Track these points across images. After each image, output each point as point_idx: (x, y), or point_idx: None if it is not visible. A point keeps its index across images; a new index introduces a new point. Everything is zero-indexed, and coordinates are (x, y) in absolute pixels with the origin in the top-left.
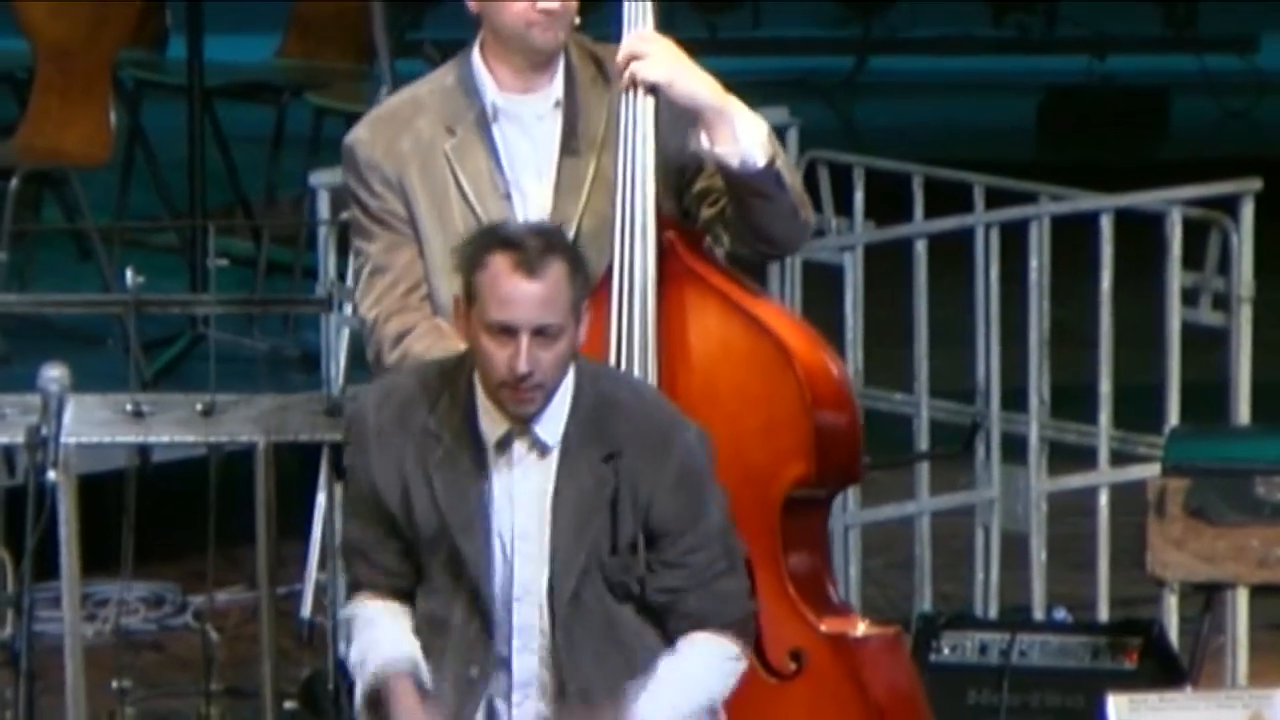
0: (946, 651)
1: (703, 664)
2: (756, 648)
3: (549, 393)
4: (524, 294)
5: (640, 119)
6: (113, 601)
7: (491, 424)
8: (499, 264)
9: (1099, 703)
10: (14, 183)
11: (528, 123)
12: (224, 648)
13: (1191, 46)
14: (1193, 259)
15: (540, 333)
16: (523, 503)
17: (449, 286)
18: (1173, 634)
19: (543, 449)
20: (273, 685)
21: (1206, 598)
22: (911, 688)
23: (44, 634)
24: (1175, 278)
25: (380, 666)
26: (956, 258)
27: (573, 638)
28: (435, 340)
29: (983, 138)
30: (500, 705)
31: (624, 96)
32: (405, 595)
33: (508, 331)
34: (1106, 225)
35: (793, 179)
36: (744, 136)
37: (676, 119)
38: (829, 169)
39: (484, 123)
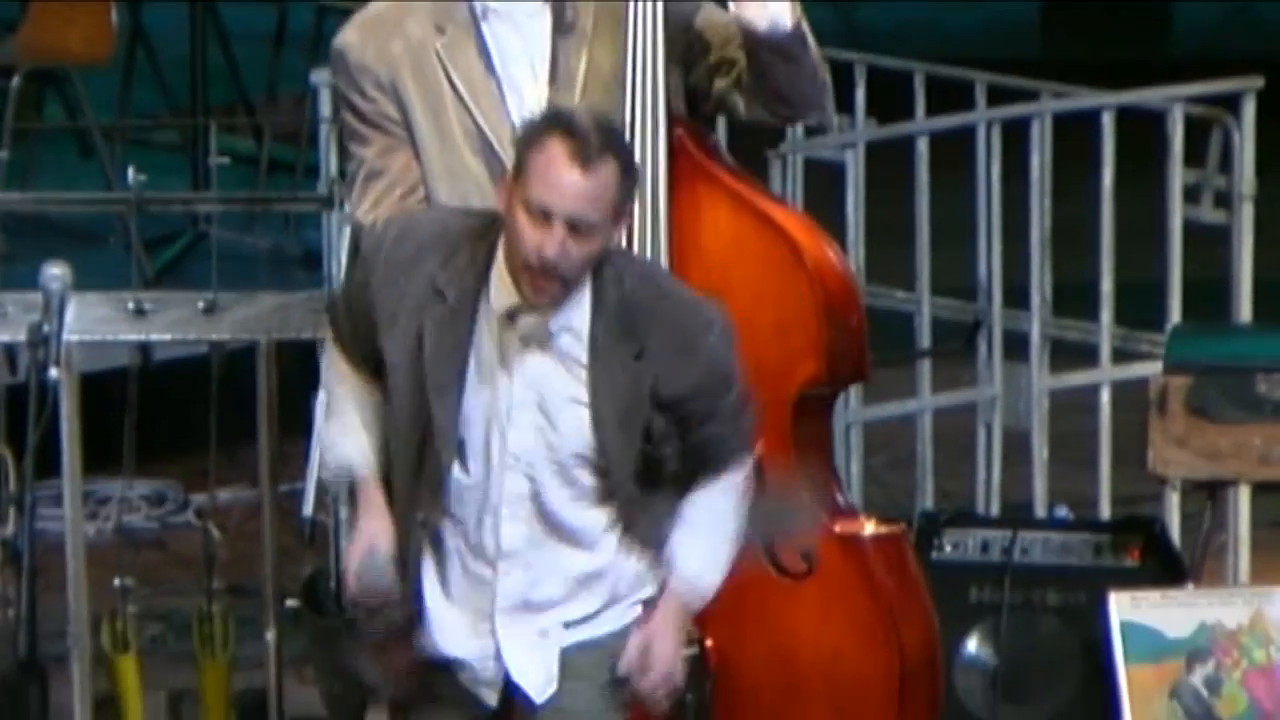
0: (948, 549)
1: (728, 507)
2: (766, 547)
3: (571, 288)
4: (571, 183)
5: (652, 28)
6: (114, 500)
7: (502, 295)
8: (555, 148)
9: (1101, 600)
10: (15, 81)
11: (518, 19)
12: (225, 546)
13: None
14: (1194, 156)
15: (575, 226)
16: (525, 375)
17: (447, 187)
18: (1174, 532)
19: (547, 333)
20: (274, 583)
21: (1208, 495)
22: (918, 586)
23: (45, 532)
24: (1177, 175)
25: (338, 468)
26: (958, 155)
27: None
28: None
29: (985, 36)
30: (482, 570)
31: (630, 5)
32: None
33: (545, 215)
34: (1108, 123)
35: (811, 41)
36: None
37: None
38: (831, 67)
39: (474, 20)
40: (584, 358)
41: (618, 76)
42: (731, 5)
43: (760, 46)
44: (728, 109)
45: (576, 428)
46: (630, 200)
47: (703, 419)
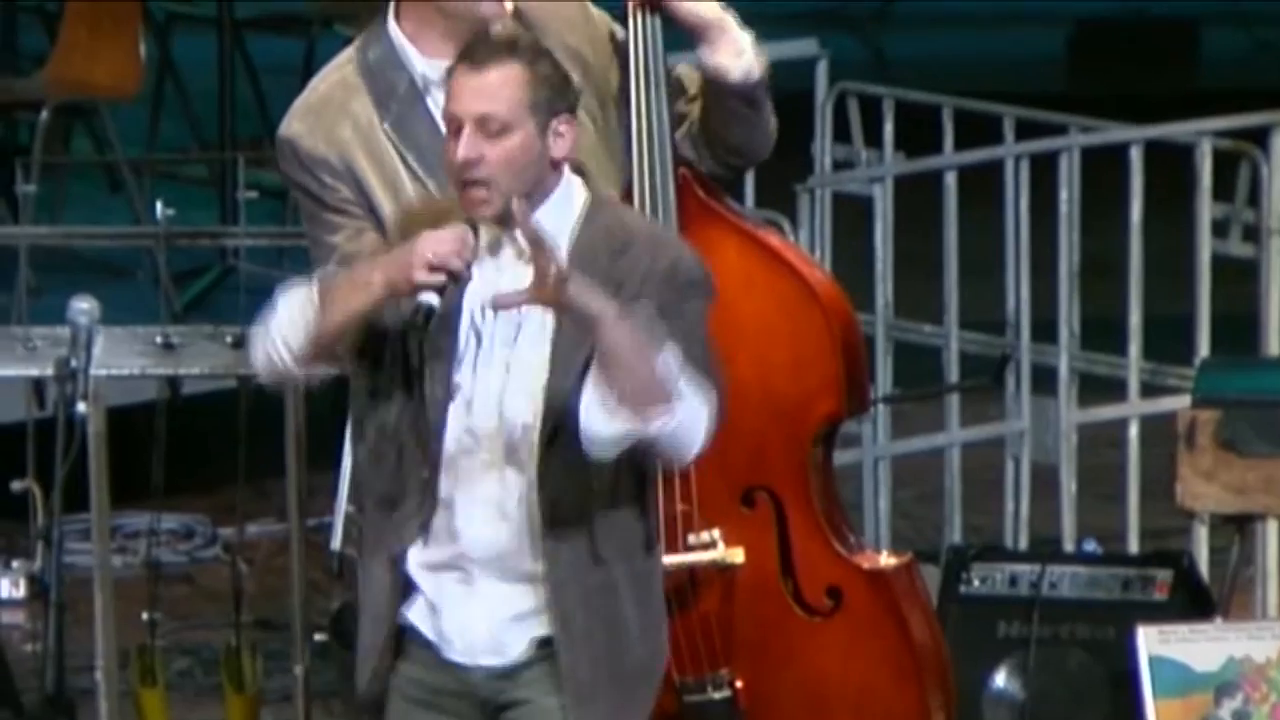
0: (976, 583)
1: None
2: (792, 587)
3: (506, 194)
4: (467, 86)
5: (651, 38)
6: (142, 534)
7: (485, 231)
8: (457, 67)
9: (1129, 634)
10: (44, 115)
11: None
12: (254, 580)
13: None
14: (1223, 190)
15: (483, 124)
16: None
17: None
18: (1203, 566)
19: (522, 251)
20: (302, 617)
21: (1237, 529)
22: (929, 612)
23: (74, 566)
24: (1205, 209)
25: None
26: (986, 189)
27: (557, 440)
28: None
29: (1013, 70)
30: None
31: (631, 17)
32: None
33: (455, 125)
34: (1136, 156)
35: None
36: (746, 49)
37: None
38: (859, 101)
39: (416, 95)
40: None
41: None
42: (701, 54)
43: (728, 95)
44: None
45: (535, 352)
46: (559, 107)
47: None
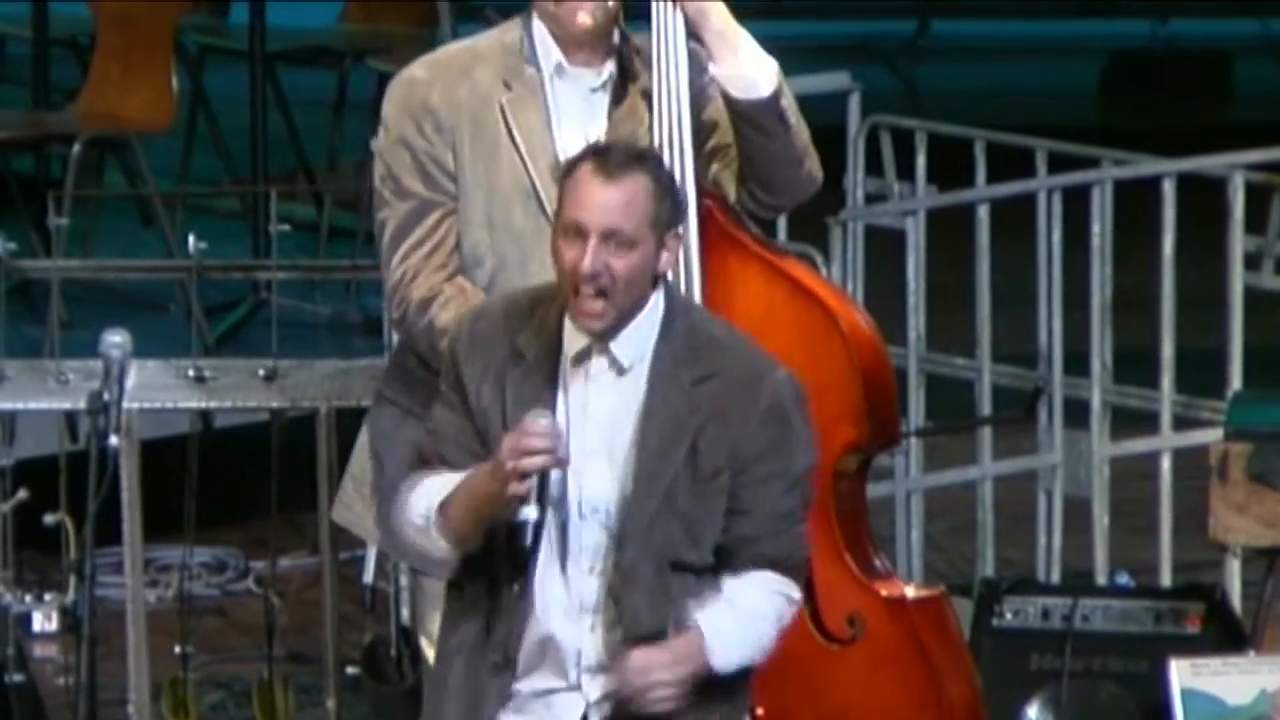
0: (1009, 616)
1: (769, 602)
2: (812, 614)
3: (621, 309)
4: (597, 197)
5: (672, 28)
6: (175, 567)
7: (573, 339)
8: (583, 169)
9: (1161, 667)
10: (76, 148)
11: (578, 97)
12: (286, 613)
13: (1255, 10)
14: (1255, 223)
15: (610, 237)
16: (596, 418)
17: (487, 237)
18: (1235, 599)
19: (620, 368)
20: (335, 651)
21: (1269, 562)
22: (960, 646)
23: (106, 599)
24: (1238, 242)
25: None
26: (1019, 222)
27: (635, 565)
28: (461, 305)
29: (1045, 102)
30: (558, 624)
31: (654, 9)
32: None
33: (580, 232)
34: (1169, 189)
35: (798, 124)
36: (745, 59)
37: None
38: (891, 134)
39: (540, 83)
40: (643, 372)
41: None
42: (711, 68)
43: (735, 113)
44: (721, 193)
45: (626, 457)
46: (675, 218)
47: (750, 496)
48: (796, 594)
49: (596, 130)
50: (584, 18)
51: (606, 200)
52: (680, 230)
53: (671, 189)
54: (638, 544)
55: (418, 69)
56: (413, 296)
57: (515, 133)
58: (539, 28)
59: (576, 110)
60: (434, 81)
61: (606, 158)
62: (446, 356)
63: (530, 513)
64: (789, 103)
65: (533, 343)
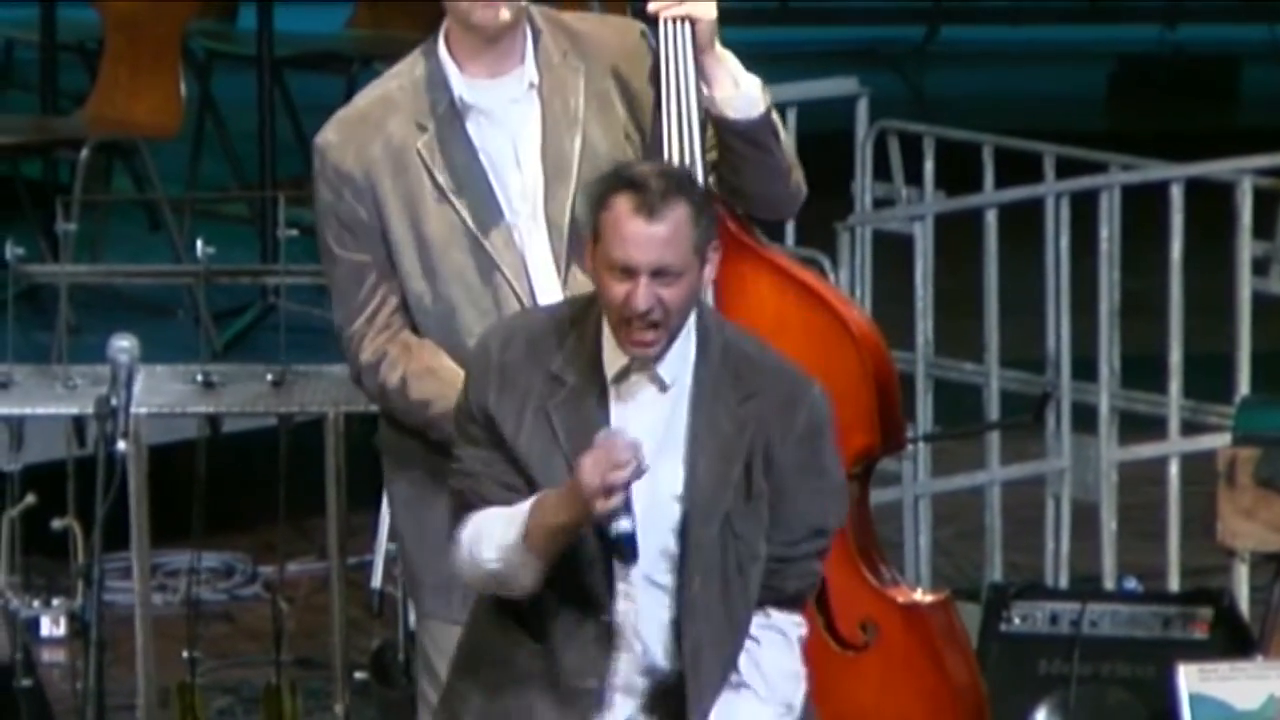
0: (1017, 621)
1: (788, 660)
2: (826, 621)
3: (671, 333)
4: (644, 235)
5: (681, 45)
6: (183, 572)
7: (613, 358)
8: (621, 205)
9: (1169, 672)
10: (84, 153)
11: (498, 114)
12: (294, 618)
13: (1263, 15)
14: (1263, 228)
15: (660, 274)
16: (640, 436)
17: (429, 286)
18: (1243, 604)
19: (662, 385)
20: (343, 656)
21: (1277, 567)
22: (967, 648)
23: (114, 604)
24: (1246, 247)
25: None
26: (1027, 227)
27: (695, 586)
28: (408, 363)
29: (1053, 107)
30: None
31: (662, 28)
32: None
33: (628, 271)
34: (1177, 194)
35: (785, 138)
36: (742, 82)
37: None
38: (899, 139)
39: (455, 115)
40: (685, 392)
41: (614, 155)
42: (703, 87)
43: (731, 134)
44: None
45: (672, 475)
46: (713, 234)
47: (793, 495)
48: (803, 620)
49: (529, 140)
50: (505, 13)
51: (652, 237)
52: (716, 241)
53: (705, 205)
54: (701, 572)
55: (330, 132)
56: (361, 362)
57: (437, 175)
58: (444, 55)
59: (502, 125)
60: (346, 145)
61: (645, 193)
62: (470, 393)
63: (627, 524)
64: (775, 114)
65: (570, 368)
